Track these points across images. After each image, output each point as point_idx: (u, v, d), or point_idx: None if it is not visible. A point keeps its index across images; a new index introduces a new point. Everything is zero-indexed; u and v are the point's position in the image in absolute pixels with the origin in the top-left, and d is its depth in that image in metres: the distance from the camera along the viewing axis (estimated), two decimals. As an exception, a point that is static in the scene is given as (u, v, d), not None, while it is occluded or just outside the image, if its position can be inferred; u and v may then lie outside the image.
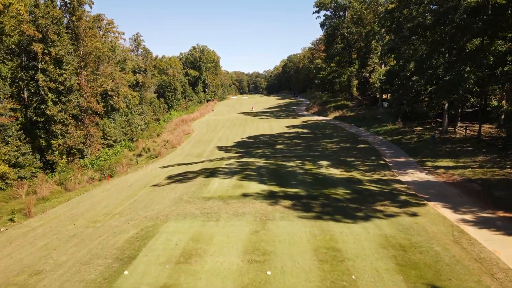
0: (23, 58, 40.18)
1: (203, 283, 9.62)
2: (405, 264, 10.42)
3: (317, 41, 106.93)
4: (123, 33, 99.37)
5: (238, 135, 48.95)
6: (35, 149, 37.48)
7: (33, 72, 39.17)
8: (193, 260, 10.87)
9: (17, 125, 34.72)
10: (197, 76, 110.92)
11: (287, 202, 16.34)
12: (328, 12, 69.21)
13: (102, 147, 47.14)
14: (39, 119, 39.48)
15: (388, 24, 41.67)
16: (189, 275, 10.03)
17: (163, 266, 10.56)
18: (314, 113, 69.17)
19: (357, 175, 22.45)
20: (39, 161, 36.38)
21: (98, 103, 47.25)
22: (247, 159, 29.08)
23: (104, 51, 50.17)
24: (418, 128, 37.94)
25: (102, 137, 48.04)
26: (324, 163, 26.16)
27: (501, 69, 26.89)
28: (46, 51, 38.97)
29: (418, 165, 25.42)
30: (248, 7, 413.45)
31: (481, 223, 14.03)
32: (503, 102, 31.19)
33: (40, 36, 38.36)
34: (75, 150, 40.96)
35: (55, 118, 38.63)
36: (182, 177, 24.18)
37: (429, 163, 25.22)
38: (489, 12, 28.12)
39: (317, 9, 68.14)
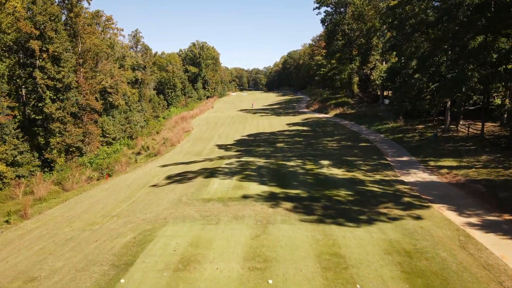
0: (20, 56, 39.59)
1: (202, 292, 9.30)
2: (411, 271, 10.08)
3: (318, 38, 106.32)
4: (122, 30, 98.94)
5: (238, 133, 48.54)
6: (33, 147, 37.12)
7: (31, 69, 38.65)
8: (191, 267, 10.52)
9: (15, 123, 34.38)
10: (196, 72, 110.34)
11: (288, 204, 15.98)
12: (328, 8, 68.62)
13: (101, 145, 46.84)
14: (37, 117, 39.05)
15: (390, 20, 41.11)
16: (187, 283, 9.69)
17: (161, 274, 10.22)
18: (314, 111, 68.77)
19: (359, 175, 22.08)
20: (37, 160, 36.06)
21: (97, 101, 46.85)
22: (247, 158, 28.72)
23: (103, 48, 49.71)
24: (420, 126, 37.51)
25: (101, 134, 47.74)
26: (325, 162, 25.79)
27: (504, 66, 26.48)
28: (44, 48, 38.43)
29: (420, 164, 25.04)
30: (247, 3, 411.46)
31: (487, 227, 13.70)
32: (507, 100, 30.85)
33: (38, 33, 37.76)
34: (73, 148, 40.58)
35: (53, 116, 38.20)
36: (182, 177, 23.84)
37: (432, 163, 24.86)
38: (493, 9, 27.65)
39: (317, 5, 67.47)
